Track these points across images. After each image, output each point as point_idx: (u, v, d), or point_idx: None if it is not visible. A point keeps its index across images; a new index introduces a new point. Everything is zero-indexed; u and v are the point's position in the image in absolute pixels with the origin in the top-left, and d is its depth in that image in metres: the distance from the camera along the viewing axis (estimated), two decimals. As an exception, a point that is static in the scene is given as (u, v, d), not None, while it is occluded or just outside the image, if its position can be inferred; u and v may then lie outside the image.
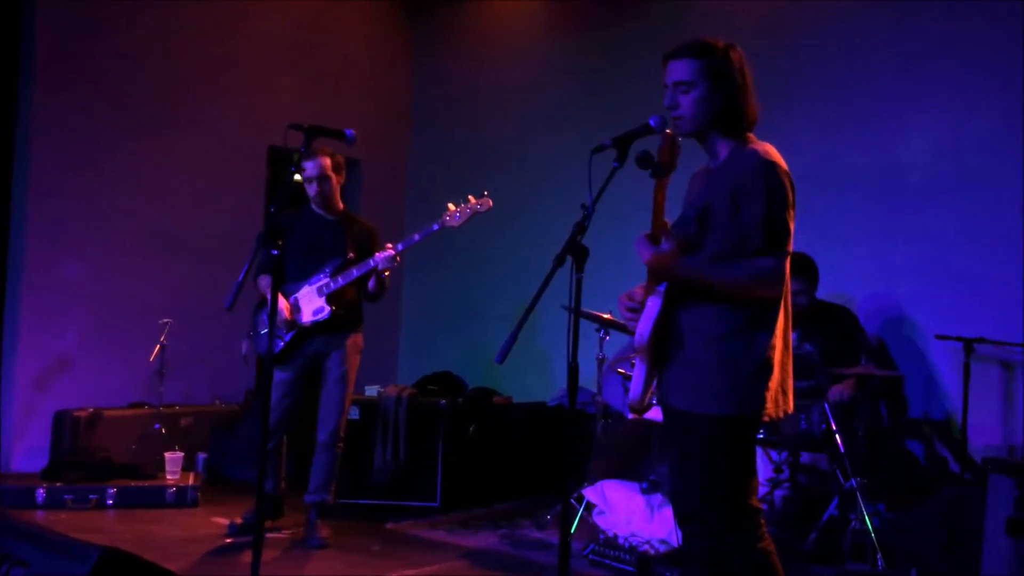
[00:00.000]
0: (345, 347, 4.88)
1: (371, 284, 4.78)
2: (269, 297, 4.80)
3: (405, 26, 8.17)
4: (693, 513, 2.83)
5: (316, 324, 4.78)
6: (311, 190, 4.87)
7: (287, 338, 4.80)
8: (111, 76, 6.46)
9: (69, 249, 6.28)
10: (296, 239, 4.75)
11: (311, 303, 4.78)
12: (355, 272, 4.71)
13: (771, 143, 2.86)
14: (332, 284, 4.75)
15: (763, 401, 2.72)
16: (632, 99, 5.83)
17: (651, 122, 2.75)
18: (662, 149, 2.69)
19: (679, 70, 2.80)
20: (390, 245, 4.69)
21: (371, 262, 4.66)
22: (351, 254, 4.81)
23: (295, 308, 4.80)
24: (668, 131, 2.73)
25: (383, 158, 7.97)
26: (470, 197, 4.67)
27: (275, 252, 3.35)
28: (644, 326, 2.77)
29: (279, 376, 4.82)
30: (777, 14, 6.05)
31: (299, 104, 7.15)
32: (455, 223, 4.65)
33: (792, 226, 2.74)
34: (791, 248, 2.75)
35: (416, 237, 4.69)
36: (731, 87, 2.79)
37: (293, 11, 7.39)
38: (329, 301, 4.76)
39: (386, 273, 4.71)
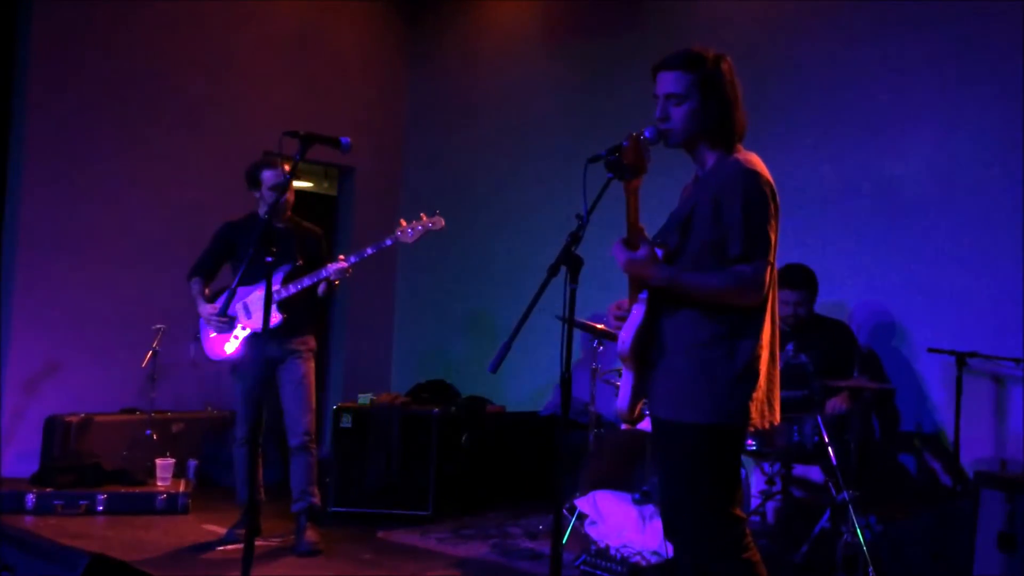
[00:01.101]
0: (300, 351, 4.93)
1: (321, 289, 4.80)
2: (197, 300, 4.89)
3: (401, 33, 8.18)
4: (677, 523, 2.82)
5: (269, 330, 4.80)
6: (272, 197, 4.83)
7: (238, 343, 4.84)
8: (106, 80, 6.46)
9: (61, 253, 6.26)
10: (245, 246, 4.79)
11: (262, 310, 4.78)
12: (307, 281, 4.75)
13: (766, 156, 2.86)
14: (284, 292, 4.78)
15: (745, 411, 2.71)
16: (628, 108, 5.82)
17: (647, 133, 2.76)
18: (627, 151, 2.66)
19: (670, 82, 2.80)
20: (343, 257, 4.75)
21: (323, 272, 4.71)
22: (300, 260, 4.86)
23: (246, 313, 4.85)
24: (633, 134, 2.70)
25: (377, 166, 7.98)
26: (422, 215, 4.78)
27: (269, 259, 3.36)
28: (626, 333, 2.77)
29: (239, 384, 4.91)
30: (772, 28, 6.07)
31: (294, 111, 7.15)
32: (408, 239, 4.77)
33: (774, 236, 2.72)
34: (773, 258, 2.72)
35: (369, 250, 4.76)
36: (722, 100, 2.79)
37: (289, 17, 7.40)
38: (280, 308, 4.78)
39: (336, 282, 4.76)
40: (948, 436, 5.04)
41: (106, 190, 6.47)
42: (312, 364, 5.00)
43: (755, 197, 2.70)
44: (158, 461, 5.71)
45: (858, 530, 4.23)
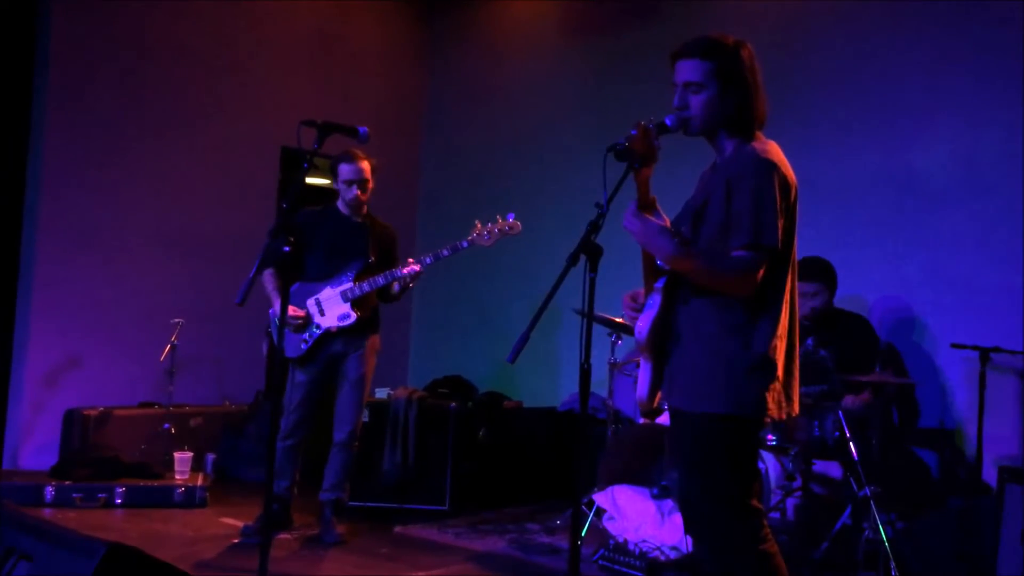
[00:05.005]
0: (365, 349, 4.91)
1: (396, 288, 4.79)
2: (272, 296, 4.82)
3: (419, 28, 8.17)
4: (694, 514, 2.80)
5: (340, 328, 4.80)
6: (349, 193, 4.84)
7: (311, 341, 4.80)
8: (126, 76, 6.47)
9: (80, 246, 6.28)
10: (319, 238, 4.79)
11: (336, 308, 4.78)
12: (381, 280, 4.74)
13: (787, 147, 2.82)
14: (357, 290, 4.76)
15: (761, 401, 2.68)
16: (647, 100, 5.78)
17: (667, 121, 2.73)
18: (635, 139, 2.63)
19: (689, 70, 2.77)
20: (412, 260, 4.71)
21: (397, 272, 4.70)
22: (372, 257, 4.83)
23: (319, 310, 4.80)
24: (641, 123, 2.66)
25: (395, 162, 7.94)
26: (498, 217, 4.74)
27: (287, 248, 3.32)
28: (644, 323, 2.77)
29: (300, 377, 4.86)
30: (793, 20, 6.02)
31: (312, 108, 7.07)
32: (485, 242, 4.72)
33: (781, 223, 2.65)
34: (778, 245, 2.65)
35: (444, 252, 4.72)
36: (741, 87, 2.76)
37: (308, 15, 7.40)
38: (354, 306, 4.77)
39: (411, 283, 4.74)
40: (969, 432, 4.98)
41: (125, 185, 6.48)
42: (373, 364, 4.95)
43: (764, 186, 2.65)
44: (176, 455, 5.72)
45: (880, 527, 4.19)
